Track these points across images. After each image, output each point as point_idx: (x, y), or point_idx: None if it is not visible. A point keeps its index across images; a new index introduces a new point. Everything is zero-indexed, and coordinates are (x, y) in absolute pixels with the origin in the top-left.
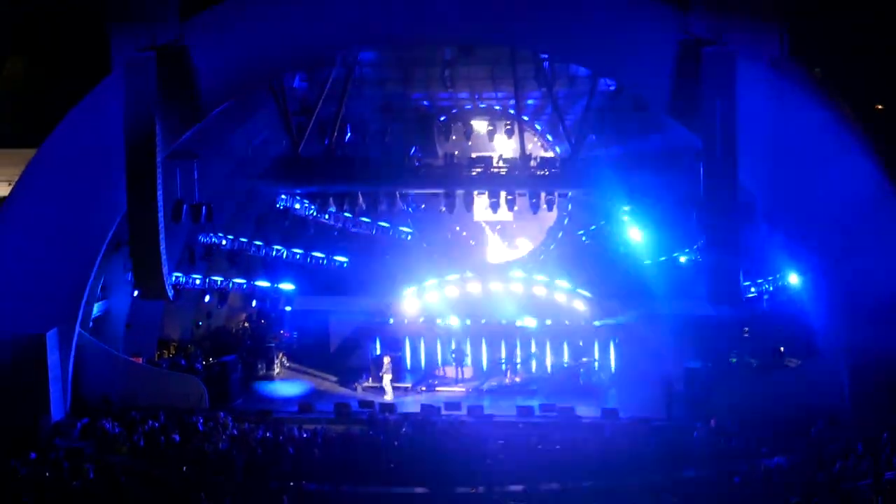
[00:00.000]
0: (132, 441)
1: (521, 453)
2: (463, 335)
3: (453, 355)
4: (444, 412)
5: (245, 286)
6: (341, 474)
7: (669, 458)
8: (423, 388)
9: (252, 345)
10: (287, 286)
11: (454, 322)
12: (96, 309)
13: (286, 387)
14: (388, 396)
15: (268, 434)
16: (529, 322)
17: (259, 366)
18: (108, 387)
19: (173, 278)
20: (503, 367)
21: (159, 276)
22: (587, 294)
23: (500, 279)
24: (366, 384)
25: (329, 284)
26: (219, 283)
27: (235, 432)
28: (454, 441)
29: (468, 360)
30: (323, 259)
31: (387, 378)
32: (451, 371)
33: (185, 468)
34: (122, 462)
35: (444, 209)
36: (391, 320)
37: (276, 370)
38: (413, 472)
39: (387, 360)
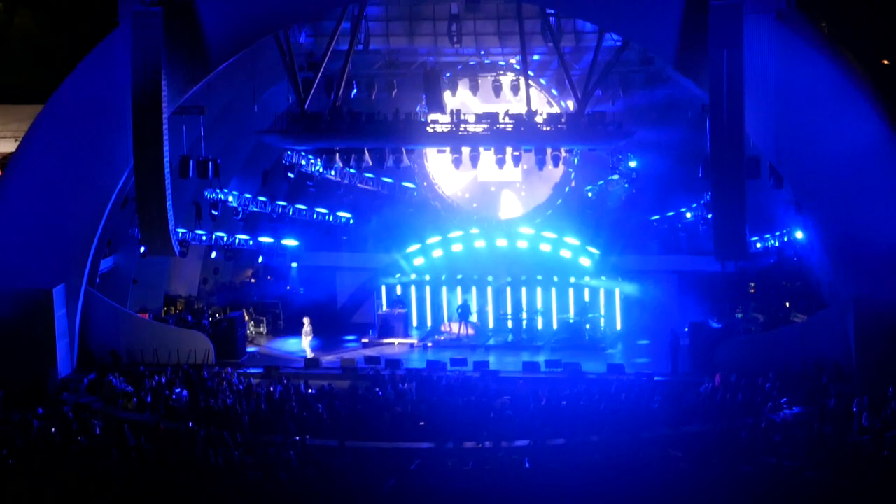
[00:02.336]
0: (139, 396)
1: (527, 409)
2: (468, 292)
3: (459, 311)
4: (449, 368)
5: (251, 242)
6: (346, 430)
7: (675, 413)
8: (429, 344)
9: (259, 301)
10: (293, 242)
11: (460, 279)
12: (103, 265)
13: (292, 343)
14: (309, 355)
15: (273, 389)
16: (535, 278)
17: (266, 321)
18: (115, 343)
19: (179, 234)
20: (509, 323)
21: (166, 232)
22: (594, 250)
23: (506, 236)
24: (372, 341)
25: (335, 241)
26: (225, 239)
27: (241, 388)
28: (460, 397)
29: (474, 317)
30: (328, 215)
31: (306, 339)
32: (456, 327)
33: (191, 423)
34: (128, 417)
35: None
36: (397, 276)
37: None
38: (418, 427)
39: (307, 320)
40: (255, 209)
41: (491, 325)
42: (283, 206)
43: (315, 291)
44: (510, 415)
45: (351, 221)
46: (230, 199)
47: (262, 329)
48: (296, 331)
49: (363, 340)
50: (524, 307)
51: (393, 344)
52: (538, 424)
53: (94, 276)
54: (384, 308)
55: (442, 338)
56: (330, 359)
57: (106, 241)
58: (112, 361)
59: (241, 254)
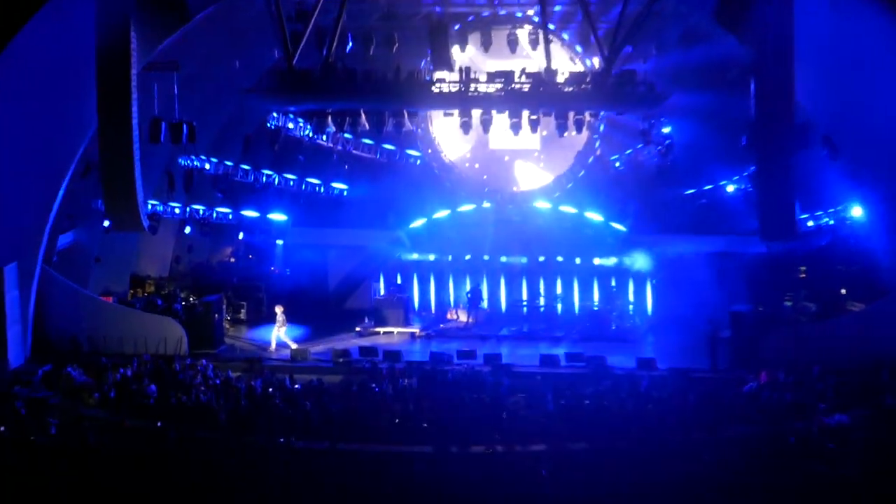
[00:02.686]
0: (102, 391)
1: (545, 408)
2: (479, 273)
3: (468, 296)
4: (456, 361)
5: (231, 216)
6: (338, 431)
7: (713, 416)
8: (433, 334)
9: (239, 283)
10: (279, 217)
11: (469, 259)
12: (61, 241)
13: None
14: (272, 348)
15: (255, 384)
16: (555, 259)
17: (246, 307)
18: (75, 329)
19: (149, 207)
20: (524, 309)
21: (133, 205)
22: (621, 228)
23: (521, 212)
24: (368, 329)
25: (327, 215)
26: (201, 212)
27: (218, 382)
28: (468, 394)
29: (484, 303)
30: (320, 186)
31: (281, 330)
32: (464, 315)
33: (160, 422)
34: (90, 415)
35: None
36: (398, 256)
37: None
38: (420, 429)
39: (279, 309)
40: (235, 179)
41: (503, 311)
42: (268, 176)
43: (303, 273)
44: (525, 415)
45: (345, 193)
46: (207, 167)
47: (242, 315)
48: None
49: (357, 329)
50: (542, 292)
51: (392, 333)
52: (557, 426)
53: (51, 253)
54: (382, 292)
55: (448, 326)
56: (319, 350)
57: (65, 213)
58: (71, 351)
59: (220, 230)
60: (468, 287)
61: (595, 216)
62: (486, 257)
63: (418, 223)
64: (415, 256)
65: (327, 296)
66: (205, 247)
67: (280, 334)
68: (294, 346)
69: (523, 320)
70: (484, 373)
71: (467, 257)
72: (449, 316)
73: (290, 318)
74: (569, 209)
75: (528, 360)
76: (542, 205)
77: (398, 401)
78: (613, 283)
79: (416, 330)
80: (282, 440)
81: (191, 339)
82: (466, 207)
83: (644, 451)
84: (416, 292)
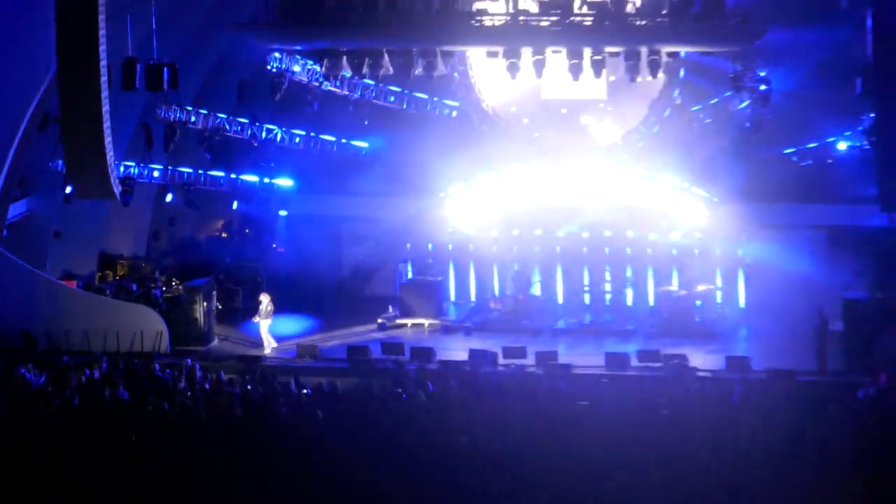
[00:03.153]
0: (63, 397)
1: (612, 421)
2: (529, 254)
3: (515, 280)
4: (501, 361)
5: (223, 181)
6: (355, 450)
7: (824, 430)
8: (472, 327)
9: (233, 264)
10: (282, 182)
11: (517, 235)
12: (12, 211)
13: (280, 323)
14: (267, 350)
15: (253, 389)
16: (625, 235)
17: (242, 293)
18: (29, 321)
19: (122, 170)
20: (586, 296)
21: (102, 167)
22: (705, 195)
23: (581, 175)
24: (392, 321)
25: (342, 180)
26: (186, 176)
27: (207, 386)
28: (516, 402)
29: (536, 288)
30: (333, 144)
31: (264, 324)
32: (510, 303)
33: (135, 436)
34: (48, 425)
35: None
36: (430, 231)
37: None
38: (458, 446)
39: (265, 298)
40: (228, 134)
41: (560, 299)
42: (269, 131)
43: (312, 252)
44: (586, 429)
45: (364, 153)
46: (193, 120)
47: (236, 304)
48: (284, 306)
49: (379, 321)
50: (608, 275)
51: (422, 326)
52: (626, 446)
53: (1, 226)
54: (409, 275)
55: (491, 318)
56: (332, 346)
57: (16, 178)
58: (24, 347)
59: (209, 198)
60: (515, 268)
61: (674, 181)
62: (537, 232)
63: (455, 190)
64: (450, 231)
65: (342, 280)
66: (190, 219)
67: (262, 329)
68: (270, 345)
69: (584, 310)
70: (536, 376)
71: (515, 232)
72: (492, 305)
73: (296, 307)
74: (642, 172)
75: (591, 359)
76: (609, 167)
77: (430, 411)
78: (697, 265)
79: (450, 321)
80: (286, 459)
81: (173, 333)
82: (514, 170)
83: (737, 482)
84: (451, 275)
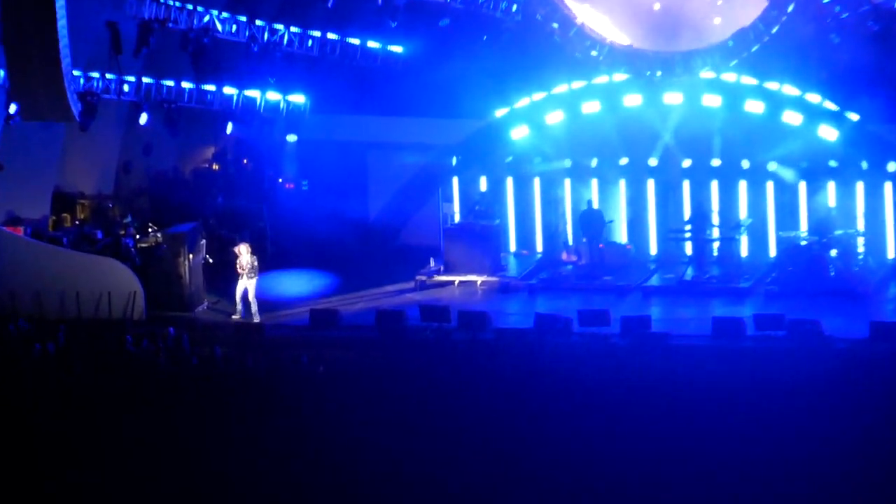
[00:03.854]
0: (11, 372)
1: (721, 407)
2: (612, 190)
3: (594, 224)
4: (577, 329)
5: (213, 97)
6: (382, 446)
7: None
8: (538, 284)
9: (226, 205)
10: (292, 98)
11: (596, 166)
12: None
13: (290, 281)
14: (236, 316)
15: (254, 367)
16: (738, 165)
17: (240, 242)
18: None
19: (81, 82)
20: (685, 239)
21: (55, 78)
22: (841, 112)
23: (678, 86)
24: (433, 277)
25: (368, 96)
26: (165, 90)
27: (196, 361)
28: (597, 382)
29: (621, 234)
30: (357, 50)
31: (241, 284)
32: (587, 252)
33: (100, 425)
34: None
35: None
36: (482, 162)
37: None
38: (517, 436)
39: (243, 248)
40: (219, 36)
41: (653, 249)
42: (274, 33)
43: (330, 188)
44: (685, 414)
45: (398, 61)
46: (174, 16)
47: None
48: (294, 259)
49: (418, 278)
50: (715, 218)
51: (473, 284)
52: (745, 442)
53: None
54: (456, 218)
55: (563, 273)
56: (357, 311)
57: None
58: None
59: (195, 119)
60: (590, 205)
61: (801, 95)
62: (622, 161)
63: (515, 108)
64: (509, 161)
65: (368, 225)
66: (171, 147)
67: (241, 291)
68: (255, 314)
69: (685, 263)
70: (621, 346)
71: (593, 162)
72: (564, 257)
73: (310, 260)
74: (758, 84)
75: (693, 325)
76: (716, 78)
77: (483, 393)
78: (832, 204)
79: (510, 279)
80: (294, 451)
81: (150, 294)
82: (592, 83)
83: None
84: (510, 217)
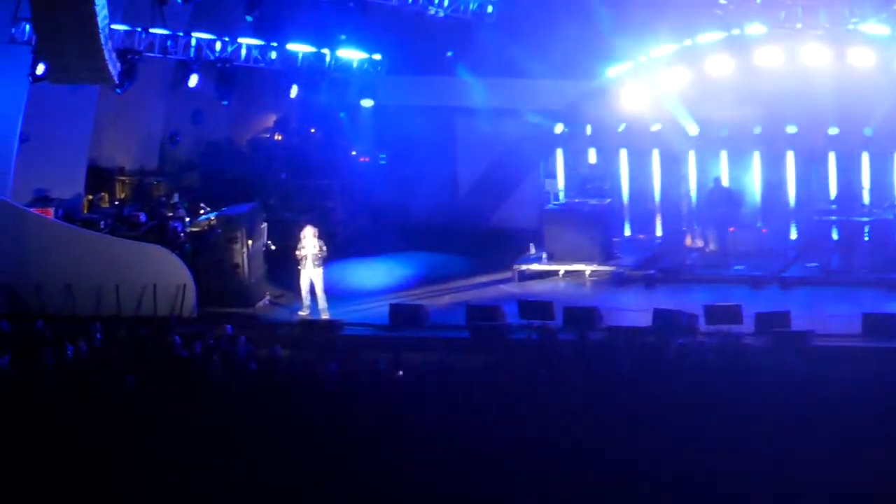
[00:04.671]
0: (36, 380)
1: (874, 418)
2: (744, 163)
3: (724, 204)
4: (703, 328)
5: (274, 56)
6: (474, 465)
7: None
8: (657, 274)
9: (290, 181)
10: (363, 55)
11: (726, 136)
12: None
13: (364, 271)
14: (303, 312)
15: (328, 371)
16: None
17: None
18: None
19: (121, 37)
20: (831, 221)
21: (91, 34)
22: None
23: (822, 40)
24: (533, 266)
25: (455, 55)
26: (218, 49)
27: (254, 367)
28: (725, 390)
29: (755, 216)
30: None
31: (307, 274)
32: (715, 237)
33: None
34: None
35: None
36: (590, 130)
37: None
38: (631, 450)
39: (309, 232)
40: None
41: (792, 234)
42: None
43: (411, 162)
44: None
45: (490, 9)
46: None
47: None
48: (369, 245)
49: (516, 267)
50: (865, 196)
51: (580, 274)
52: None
53: None
54: (560, 198)
55: (687, 261)
56: (444, 306)
57: None
58: None
59: (252, 80)
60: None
61: None
62: (756, 130)
63: (628, 68)
64: (621, 130)
65: (456, 205)
66: (225, 114)
67: (307, 283)
68: (324, 310)
69: (831, 249)
70: (754, 349)
71: (723, 132)
72: (689, 242)
73: (389, 246)
74: None
75: (842, 324)
76: (869, 28)
77: (594, 402)
78: None
79: (624, 268)
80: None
81: (202, 287)
82: (719, 40)
83: None
84: (624, 197)
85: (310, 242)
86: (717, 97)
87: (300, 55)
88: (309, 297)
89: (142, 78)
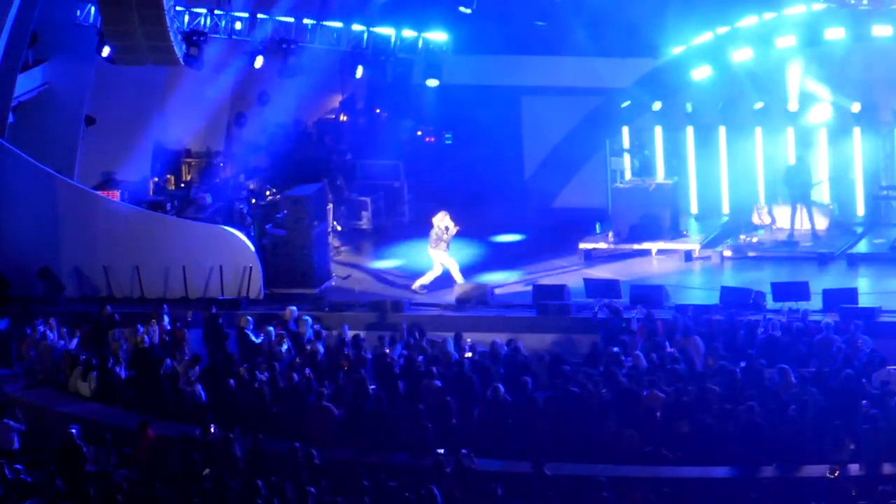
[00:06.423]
0: (102, 367)
1: None
2: (811, 139)
3: (793, 179)
4: (771, 305)
5: (340, 36)
6: (549, 439)
7: None
8: (727, 252)
9: (357, 162)
10: (433, 36)
11: (796, 111)
12: (20, 87)
13: (430, 254)
14: (459, 287)
15: (391, 353)
16: None
17: (372, 207)
18: (49, 253)
19: (185, 19)
20: None
21: (157, 15)
22: None
23: (890, 17)
24: (601, 245)
25: (523, 33)
26: (285, 27)
27: (321, 348)
28: (793, 369)
29: (823, 192)
30: None
31: (441, 257)
32: (783, 214)
33: (214, 426)
34: (78, 413)
35: None
36: (657, 108)
37: None
38: (707, 434)
39: (443, 217)
40: None
41: (860, 210)
42: None
43: (478, 143)
44: None
45: None
46: None
47: (363, 223)
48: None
49: (583, 246)
50: None
51: (648, 253)
52: None
53: (5, 108)
54: (627, 175)
55: (752, 239)
56: (511, 286)
57: (26, 35)
58: (44, 294)
59: (320, 61)
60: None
61: None
62: (853, 107)
63: (698, 43)
64: (689, 109)
65: (523, 184)
66: (291, 95)
67: (439, 265)
68: (461, 282)
69: None
70: (819, 327)
71: (793, 106)
72: (755, 219)
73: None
74: None
75: None
76: None
77: (657, 379)
78: None
79: (694, 246)
80: (448, 454)
81: (269, 269)
82: (789, 13)
83: None
84: (691, 175)
85: (440, 226)
86: (782, 74)
87: (365, 35)
88: (431, 275)
89: (208, 59)
